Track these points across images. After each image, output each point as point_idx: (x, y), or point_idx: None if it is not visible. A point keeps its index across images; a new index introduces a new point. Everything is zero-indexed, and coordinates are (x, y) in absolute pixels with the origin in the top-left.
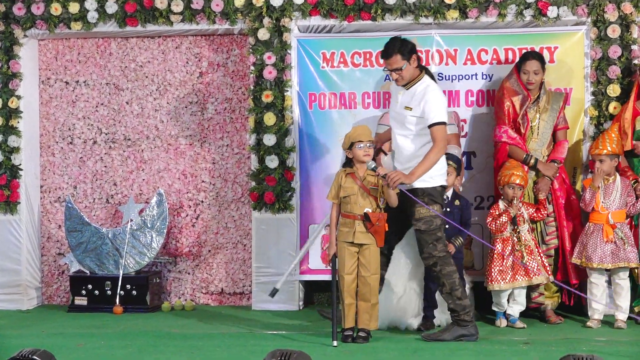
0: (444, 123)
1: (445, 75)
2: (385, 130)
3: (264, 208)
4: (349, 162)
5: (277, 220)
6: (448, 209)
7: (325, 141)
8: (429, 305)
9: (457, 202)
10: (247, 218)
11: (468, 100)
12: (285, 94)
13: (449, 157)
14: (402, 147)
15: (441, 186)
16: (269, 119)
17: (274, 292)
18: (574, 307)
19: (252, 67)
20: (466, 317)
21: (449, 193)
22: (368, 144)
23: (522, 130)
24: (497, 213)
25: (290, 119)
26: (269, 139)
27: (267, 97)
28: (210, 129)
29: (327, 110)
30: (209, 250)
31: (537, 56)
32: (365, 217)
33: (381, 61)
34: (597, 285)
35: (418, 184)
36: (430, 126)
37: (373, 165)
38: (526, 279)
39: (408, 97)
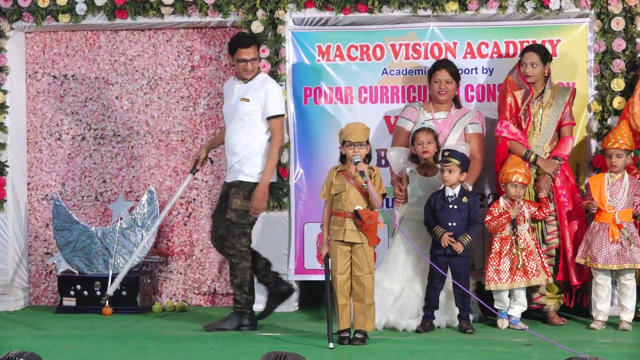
0: (282, 115)
1: None
2: (219, 133)
3: None
4: (343, 159)
5: (271, 218)
6: (455, 206)
7: (321, 137)
8: (430, 305)
9: (464, 199)
10: None
11: (468, 95)
12: None
13: (452, 154)
14: (235, 141)
15: (271, 183)
16: None
17: (106, 299)
18: (578, 308)
19: None
20: (247, 310)
21: (456, 190)
22: (358, 144)
23: (524, 126)
24: (496, 212)
25: (285, 115)
26: None
27: None
28: (202, 124)
29: (323, 105)
30: (201, 250)
31: (536, 48)
32: (356, 215)
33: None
34: (602, 286)
35: (242, 177)
36: (269, 118)
37: (356, 160)
38: (525, 279)
39: (244, 90)
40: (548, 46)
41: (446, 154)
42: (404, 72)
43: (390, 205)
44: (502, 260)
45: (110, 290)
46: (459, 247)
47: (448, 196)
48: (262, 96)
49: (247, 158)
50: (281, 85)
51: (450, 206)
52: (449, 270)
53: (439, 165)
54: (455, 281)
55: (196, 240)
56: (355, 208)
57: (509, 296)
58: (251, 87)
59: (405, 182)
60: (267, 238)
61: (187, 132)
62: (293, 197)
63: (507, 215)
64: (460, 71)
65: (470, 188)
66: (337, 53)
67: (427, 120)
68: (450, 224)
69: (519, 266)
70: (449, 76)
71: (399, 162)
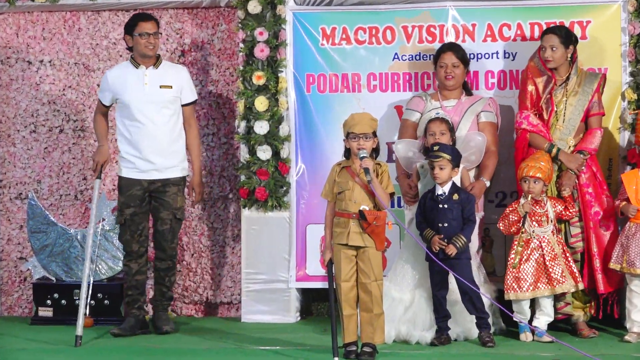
0: (195, 102)
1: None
2: (100, 127)
3: (255, 205)
4: (348, 153)
5: (270, 219)
6: (445, 206)
7: (325, 129)
8: (440, 316)
9: (455, 197)
10: (236, 217)
11: (488, 83)
12: (279, 75)
13: (442, 148)
14: (165, 133)
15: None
16: (261, 103)
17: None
18: (608, 319)
19: (241, 45)
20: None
21: (446, 188)
22: (363, 136)
23: (545, 116)
24: (509, 211)
25: (285, 104)
26: (261, 127)
27: (258, 78)
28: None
29: (328, 94)
30: (193, 254)
31: (556, 30)
32: (361, 216)
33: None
34: (638, 294)
35: (181, 172)
36: (186, 105)
37: (362, 155)
38: (549, 287)
39: (160, 75)
40: (577, 28)
41: (435, 148)
42: (418, 58)
43: (401, 204)
44: (522, 267)
45: (79, 331)
46: (451, 250)
47: (437, 195)
48: (180, 81)
49: (180, 151)
50: (281, 72)
51: (441, 205)
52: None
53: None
54: (459, 289)
55: (186, 243)
56: (360, 208)
57: (532, 306)
58: (167, 72)
59: (415, 178)
60: (265, 241)
61: None
62: (294, 196)
63: (515, 212)
64: (479, 56)
65: (488, 184)
66: (343, 36)
67: (434, 109)
68: (441, 224)
69: (514, 264)
70: (455, 59)
71: (407, 155)
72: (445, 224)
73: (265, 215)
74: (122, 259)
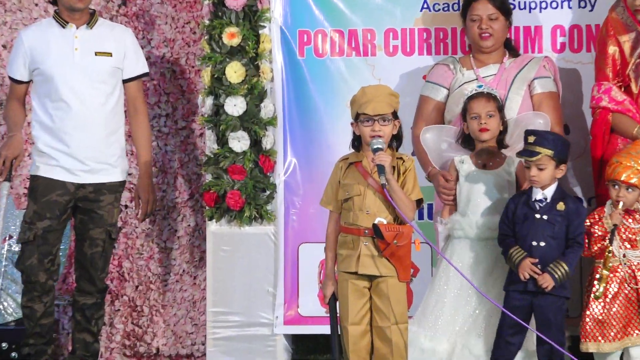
0: (147, 74)
1: (520, 2)
2: (13, 113)
3: (226, 217)
4: (356, 143)
5: (248, 237)
6: (545, 216)
7: (325, 108)
8: None
9: (560, 206)
10: (199, 233)
11: (556, 43)
12: (260, 32)
13: (541, 139)
14: (99, 121)
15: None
16: (235, 72)
17: None
18: None
19: None
20: None
21: (548, 192)
22: (380, 119)
23: (635, 89)
24: (589, 223)
25: (269, 73)
26: (235, 105)
27: (231, 37)
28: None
29: (329, 59)
30: (137, 287)
31: None
32: (376, 232)
33: None
34: None
35: (120, 175)
36: (131, 80)
37: (376, 145)
38: None
39: (95, 38)
40: None
41: (531, 139)
42: (455, 7)
43: (429, 215)
44: (607, 306)
45: None
46: (547, 282)
47: (535, 201)
48: (123, 47)
49: (121, 144)
50: (263, 27)
51: (538, 216)
52: (532, 321)
53: (511, 155)
54: (542, 334)
55: (128, 271)
56: (376, 222)
57: (625, 357)
58: (105, 34)
59: (453, 173)
60: (240, 268)
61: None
62: (282, 204)
63: (600, 226)
64: (543, 5)
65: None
66: None
67: (468, 82)
68: (536, 243)
69: (598, 294)
70: (492, 9)
71: (439, 147)
72: (542, 243)
73: (240, 231)
74: (21, 295)
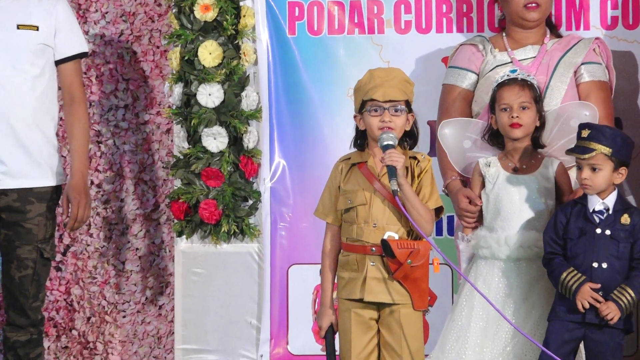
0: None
1: None
2: None
3: (198, 232)
4: (360, 140)
5: (226, 257)
6: (607, 232)
7: (320, 97)
8: None
9: (625, 219)
10: (166, 252)
11: (606, 17)
12: (241, 4)
13: (596, 133)
14: (9, 108)
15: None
16: (210, 54)
17: None
18: None
19: None
20: None
21: (609, 201)
22: (391, 107)
23: None
24: None
25: (251, 55)
26: (209, 95)
27: (205, 10)
28: (93, 74)
29: (325, 37)
30: (89, 319)
31: None
32: (385, 249)
33: None
34: None
35: (47, 179)
36: (64, 61)
37: (386, 142)
38: None
39: (17, 8)
40: None
41: (585, 133)
42: None
43: (449, 230)
44: None
45: None
46: (613, 312)
47: (594, 212)
48: (54, 19)
49: (51, 142)
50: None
51: (599, 231)
52: (580, 354)
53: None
54: None
55: (78, 298)
56: (385, 236)
57: None
58: (28, 2)
59: (478, 187)
60: (217, 295)
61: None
62: (267, 216)
63: None
64: None
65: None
66: None
67: (503, 65)
68: (597, 264)
69: None
70: None
71: (461, 146)
72: (604, 264)
73: (216, 250)
74: None
